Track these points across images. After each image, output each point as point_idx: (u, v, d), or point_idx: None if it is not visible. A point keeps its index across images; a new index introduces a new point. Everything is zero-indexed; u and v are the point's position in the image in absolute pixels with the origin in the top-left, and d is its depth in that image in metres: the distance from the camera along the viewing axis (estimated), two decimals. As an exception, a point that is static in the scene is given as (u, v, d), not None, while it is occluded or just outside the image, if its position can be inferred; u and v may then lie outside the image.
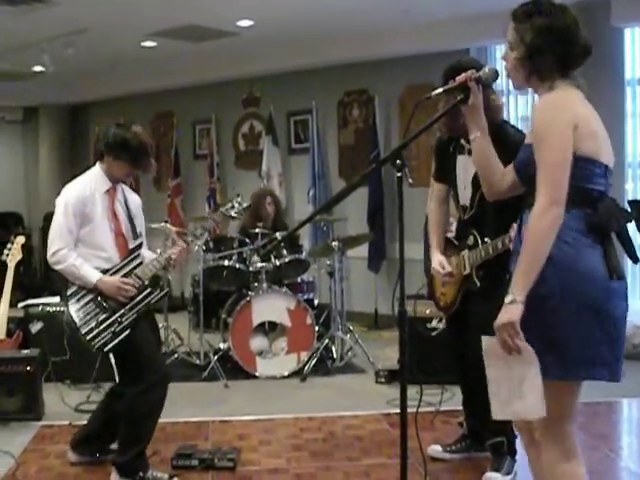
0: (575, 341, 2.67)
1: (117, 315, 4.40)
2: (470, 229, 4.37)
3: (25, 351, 5.91)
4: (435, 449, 4.78)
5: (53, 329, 6.49)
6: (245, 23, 8.68)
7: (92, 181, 4.54)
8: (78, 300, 4.44)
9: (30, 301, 6.95)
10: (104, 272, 4.43)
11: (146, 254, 4.72)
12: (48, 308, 6.72)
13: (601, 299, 2.70)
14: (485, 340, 2.73)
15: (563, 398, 2.79)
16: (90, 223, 4.45)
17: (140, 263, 4.55)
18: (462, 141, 4.33)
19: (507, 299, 2.65)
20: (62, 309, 6.45)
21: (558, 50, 2.73)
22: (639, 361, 7.13)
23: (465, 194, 4.37)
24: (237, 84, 10.86)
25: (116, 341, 4.37)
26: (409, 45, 8.90)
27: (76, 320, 4.41)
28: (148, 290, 4.51)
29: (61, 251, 4.39)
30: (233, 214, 5.03)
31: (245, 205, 5.05)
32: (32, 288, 10.32)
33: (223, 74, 10.58)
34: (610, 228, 2.73)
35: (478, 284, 4.32)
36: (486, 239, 4.27)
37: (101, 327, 4.37)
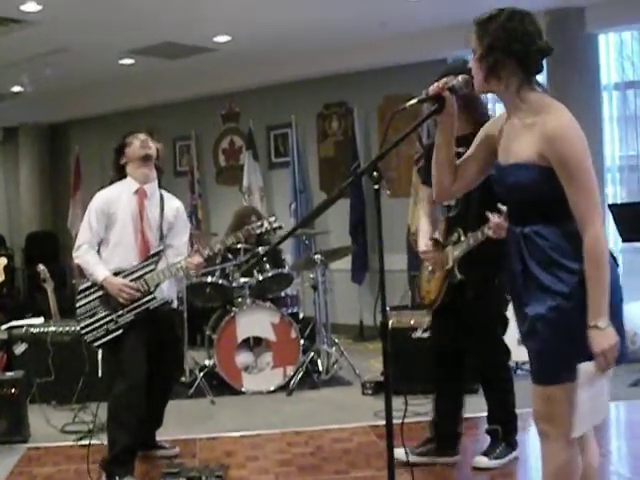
0: None
1: (115, 314, 4.63)
2: (455, 227, 4.54)
3: (9, 373, 5.86)
4: (400, 452, 4.73)
5: (37, 350, 6.47)
6: (222, 39, 8.70)
7: (120, 186, 4.88)
8: (87, 296, 4.73)
9: (14, 322, 6.90)
10: (119, 273, 4.68)
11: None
12: (32, 329, 6.65)
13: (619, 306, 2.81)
14: (583, 367, 2.70)
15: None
16: (115, 223, 4.76)
17: (153, 270, 4.73)
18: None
19: (601, 325, 2.65)
20: (46, 330, 6.51)
21: (513, 49, 2.74)
22: (626, 365, 7.16)
23: None
24: (216, 100, 10.88)
25: (106, 339, 4.63)
26: (386, 57, 8.95)
27: (78, 313, 4.71)
28: (151, 296, 4.69)
29: (82, 246, 4.77)
30: (258, 231, 5.09)
31: (276, 226, 5.06)
32: (15, 309, 10.22)
33: (202, 90, 10.59)
34: None
35: (458, 277, 4.50)
36: (469, 233, 4.44)
37: (97, 323, 4.64)
